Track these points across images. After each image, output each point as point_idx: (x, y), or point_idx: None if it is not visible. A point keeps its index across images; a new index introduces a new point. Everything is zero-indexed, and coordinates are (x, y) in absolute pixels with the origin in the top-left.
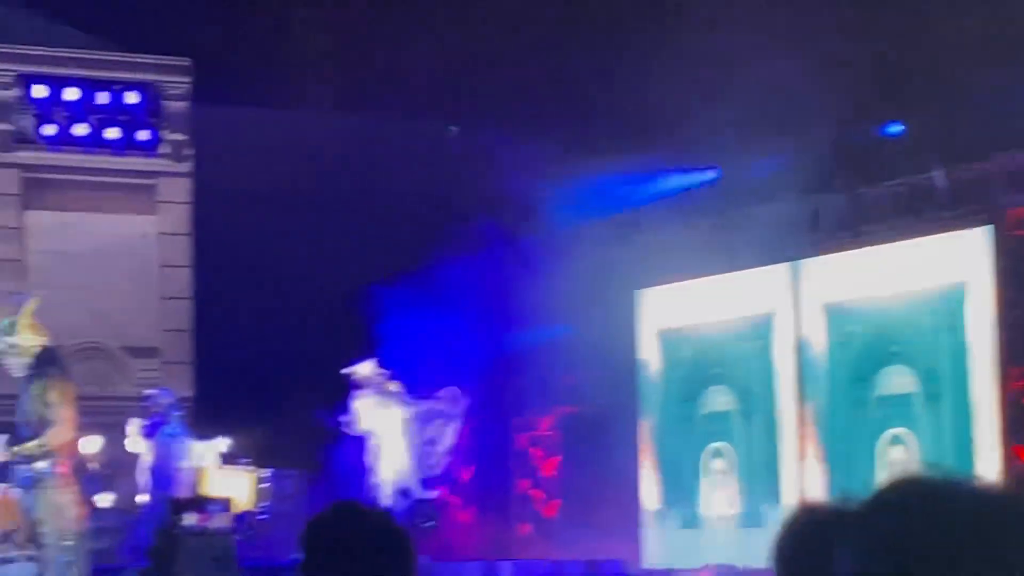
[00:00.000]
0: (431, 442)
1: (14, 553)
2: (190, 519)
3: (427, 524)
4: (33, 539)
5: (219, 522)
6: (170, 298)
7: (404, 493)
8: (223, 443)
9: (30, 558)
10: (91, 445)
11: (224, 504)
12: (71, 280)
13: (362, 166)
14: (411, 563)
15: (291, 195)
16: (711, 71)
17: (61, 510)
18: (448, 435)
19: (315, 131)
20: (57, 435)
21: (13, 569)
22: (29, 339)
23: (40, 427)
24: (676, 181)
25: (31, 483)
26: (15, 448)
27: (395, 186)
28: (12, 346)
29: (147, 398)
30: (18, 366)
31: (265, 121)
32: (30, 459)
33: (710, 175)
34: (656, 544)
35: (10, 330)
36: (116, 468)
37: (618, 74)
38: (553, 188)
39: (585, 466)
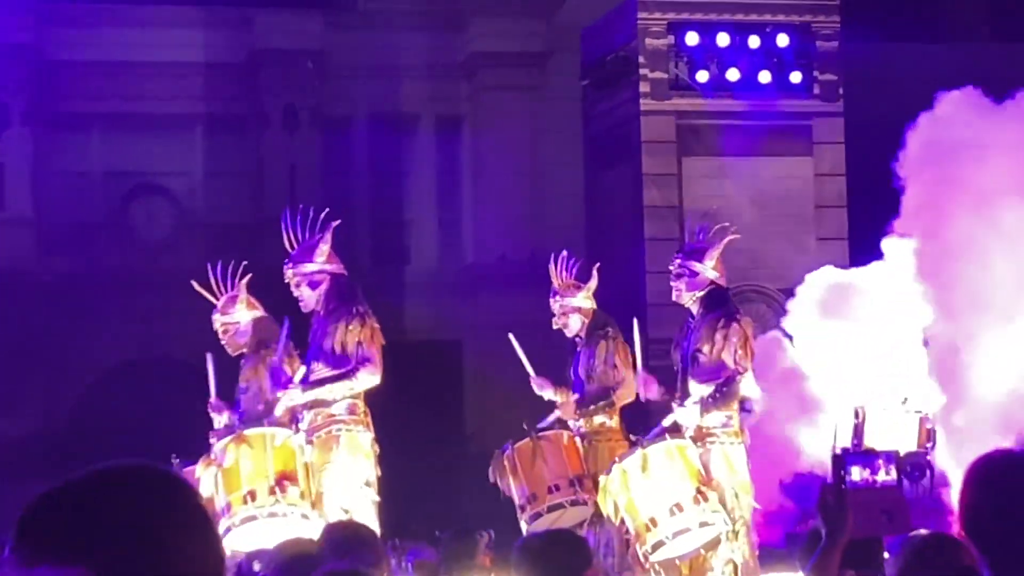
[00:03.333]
0: None
1: (584, 496)
2: (858, 474)
3: None
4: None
5: (888, 475)
6: (827, 239)
7: None
8: (886, 384)
9: (595, 503)
10: (750, 388)
11: (891, 456)
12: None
13: None
14: None
15: None
16: None
17: None
18: None
19: (966, 64)
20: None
21: (578, 511)
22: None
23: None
24: None
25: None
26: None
27: None
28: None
29: None
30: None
31: (914, 56)
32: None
33: None
34: None
35: None
36: None
37: None
38: None
39: None
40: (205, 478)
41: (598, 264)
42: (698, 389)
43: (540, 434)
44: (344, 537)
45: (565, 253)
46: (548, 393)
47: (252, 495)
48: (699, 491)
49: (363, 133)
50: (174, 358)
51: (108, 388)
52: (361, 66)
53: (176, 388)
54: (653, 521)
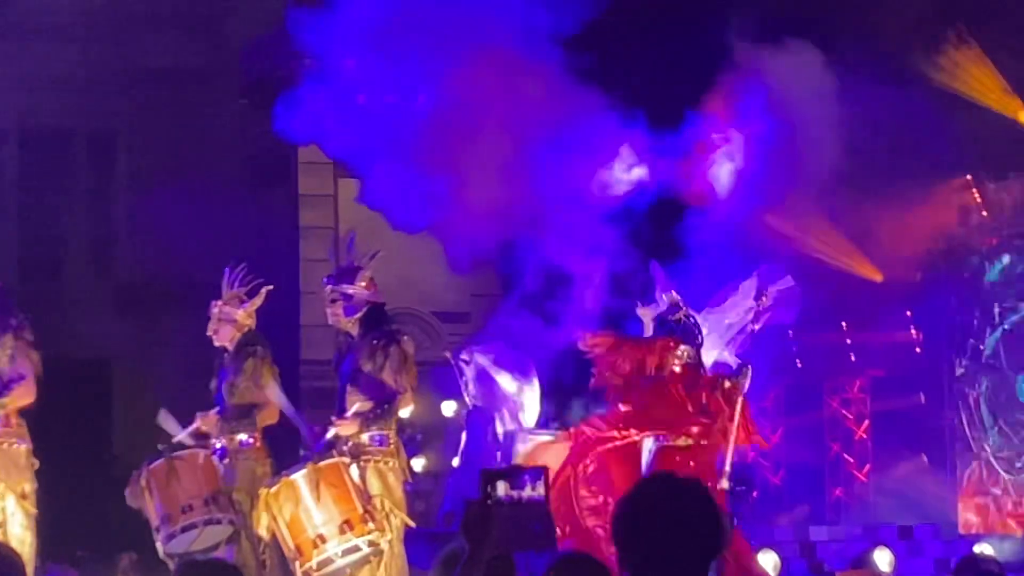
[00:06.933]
0: None
1: (219, 515)
2: (503, 489)
3: (740, 488)
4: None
5: (534, 491)
6: (479, 263)
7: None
8: (535, 408)
9: (231, 522)
10: (404, 409)
11: (539, 472)
12: (382, 246)
13: None
14: (721, 529)
15: None
16: None
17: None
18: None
19: None
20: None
21: (215, 530)
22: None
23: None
24: None
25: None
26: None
27: None
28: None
29: (463, 358)
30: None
31: None
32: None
33: None
34: None
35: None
36: (429, 432)
37: None
38: None
39: (896, 430)
40: None
41: (270, 286)
42: (358, 404)
43: (175, 454)
44: None
45: (242, 266)
46: (208, 426)
47: None
48: (366, 509)
49: (13, 146)
50: None
51: None
52: (11, 77)
53: None
54: (321, 538)
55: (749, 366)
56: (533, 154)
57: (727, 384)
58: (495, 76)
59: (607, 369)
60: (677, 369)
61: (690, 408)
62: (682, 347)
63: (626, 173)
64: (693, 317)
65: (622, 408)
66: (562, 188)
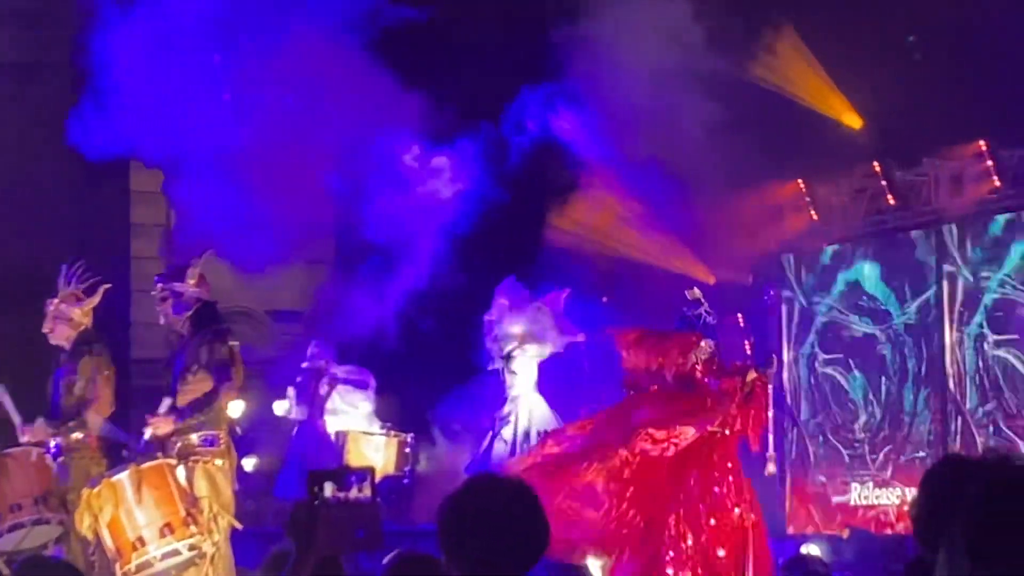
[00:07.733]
0: None
1: (48, 515)
2: (330, 490)
3: None
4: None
5: (361, 492)
6: (313, 262)
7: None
8: (367, 407)
9: (60, 522)
10: (235, 408)
11: (365, 473)
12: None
13: None
14: (544, 530)
15: None
16: None
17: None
18: None
19: None
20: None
21: (43, 530)
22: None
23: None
24: None
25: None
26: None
27: None
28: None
29: (306, 357)
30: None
31: None
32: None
33: None
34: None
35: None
36: (260, 431)
37: None
38: None
39: None
40: None
41: (107, 284)
42: (168, 400)
43: (6, 451)
44: None
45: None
46: (36, 436)
47: None
48: (188, 512)
49: None
50: None
51: None
52: None
53: None
54: (141, 540)
55: (775, 356)
56: (356, 152)
57: (754, 374)
58: (305, 79)
59: (632, 364)
60: (700, 363)
61: (710, 401)
62: (704, 342)
63: (448, 170)
64: (712, 313)
65: (647, 410)
66: (386, 184)
